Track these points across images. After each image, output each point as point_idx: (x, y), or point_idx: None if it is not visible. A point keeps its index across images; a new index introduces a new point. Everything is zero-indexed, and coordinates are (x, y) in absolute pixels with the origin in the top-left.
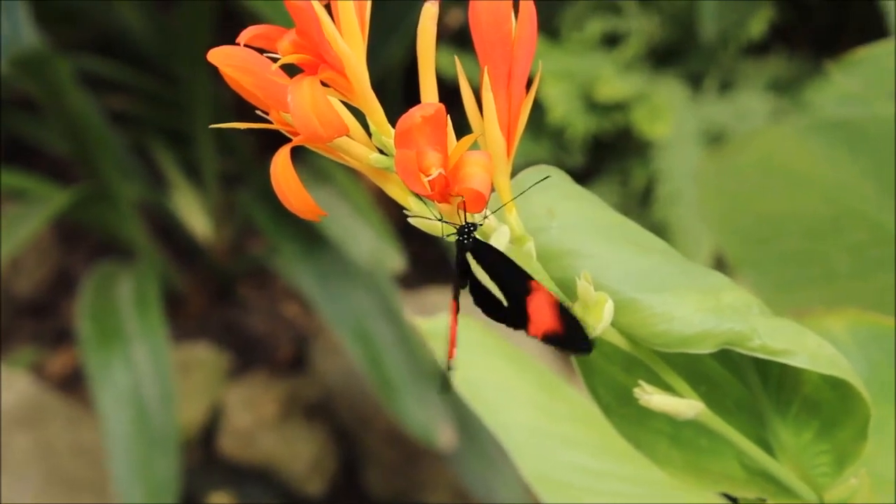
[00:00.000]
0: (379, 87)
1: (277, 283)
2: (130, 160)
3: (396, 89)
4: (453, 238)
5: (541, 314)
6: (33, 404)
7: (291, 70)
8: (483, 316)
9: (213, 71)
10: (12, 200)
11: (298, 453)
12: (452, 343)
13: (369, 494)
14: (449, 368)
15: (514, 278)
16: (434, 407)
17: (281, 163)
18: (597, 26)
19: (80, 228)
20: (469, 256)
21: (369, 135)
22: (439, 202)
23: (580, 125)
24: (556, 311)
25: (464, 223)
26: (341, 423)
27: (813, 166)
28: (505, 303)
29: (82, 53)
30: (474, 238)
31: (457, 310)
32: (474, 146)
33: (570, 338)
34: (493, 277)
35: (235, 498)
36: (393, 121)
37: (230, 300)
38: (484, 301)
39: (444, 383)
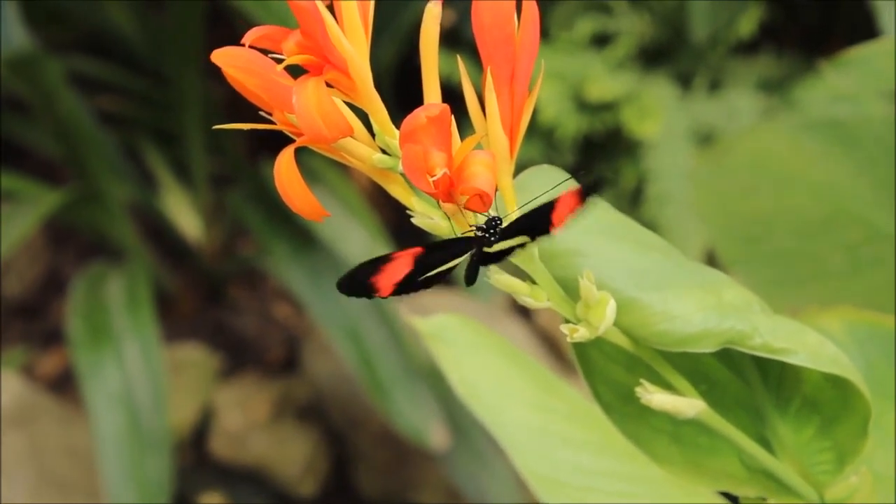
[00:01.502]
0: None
1: (268, 283)
2: (121, 161)
3: (388, 89)
4: (460, 230)
5: (564, 210)
6: (24, 405)
7: (295, 71)
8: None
9: (204, 71)
10: (3, 201)
11: (290, 454)
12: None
13: (361, 495)
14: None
15: (539, 214)
16: (426, 407)
17: (285, 163)
18: (587, 26)
19: (71, 229)
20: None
21: (373, 135)
22: (444, 202)
23: (571, 125)
24: (575, 195)
25: (489, 218)
26: (333, 423)
27: (804, 165)
28: (529, 238)
29: (72, 54)
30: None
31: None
32: (477, 146)
33: (588, 193)
34: (517, 234)
35: (227, 499)
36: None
37: (221, 301)
38: (498, 258)
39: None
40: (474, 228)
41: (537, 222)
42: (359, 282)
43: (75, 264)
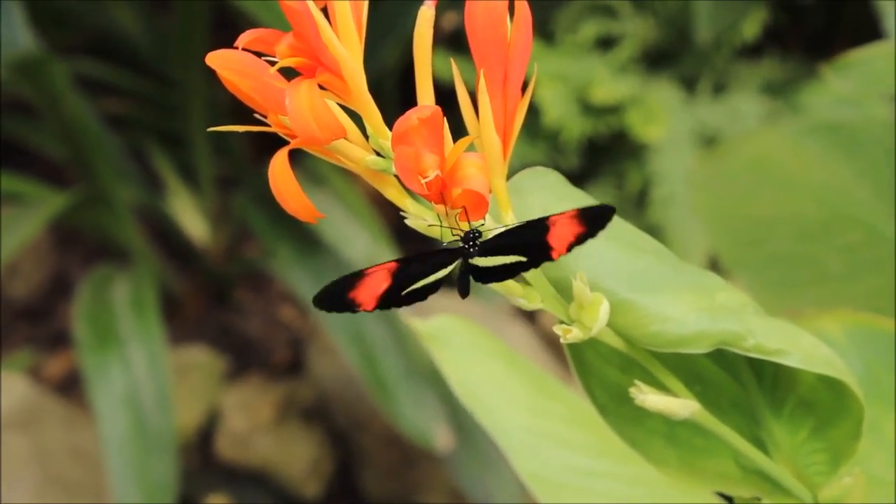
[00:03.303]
0: (375, 89)
1: (273, 286)
2: (126, 163)
3: (392, 91)
4: (455, 244)
5: (564, 234)
6: (30, 407)
7: (289, 73)
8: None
9: (209, 74)
10: (8, 204)
11: (295, 456)
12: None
13: (366, 496)
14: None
15: (531, 233)
16: (430, 409)
17: (279, 165)
18: (591, 29)
19: (77, 232)
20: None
21: (366, 137)
22: (436, 203)
23: (575, 128)
24: (578, 218)
25: (467, 230)
26: (338, 425)
27: (806, 169)
28: (524, 259)
29: (78, 57)
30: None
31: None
32: (470, 148)
33: (594, 223)
34: (507, 252)
35: (232, 500)
36: (389, 123)
37: (226, 303)
38: (493, 275)
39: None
40: (459, 238)
41: (529, 240)
42: (336, 297)
43: (81, 267)
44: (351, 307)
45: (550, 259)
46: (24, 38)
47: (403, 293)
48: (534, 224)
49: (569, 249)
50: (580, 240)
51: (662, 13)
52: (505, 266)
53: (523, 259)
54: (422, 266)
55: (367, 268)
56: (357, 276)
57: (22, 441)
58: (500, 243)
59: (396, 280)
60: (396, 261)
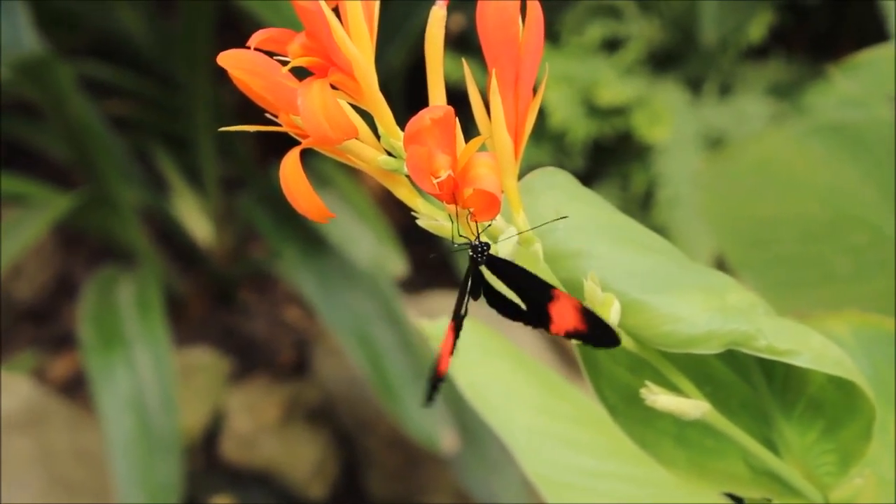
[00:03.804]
0: (381, 90)
1: (278, 287)
2: (131, 165)
3: (399, 93)
4: (464, 249)
5: (564, 316)
6: (34, 408)
7: (301, 73)
8: (488, 314)
9: (214, 75)
10: (13, 205)
11: (300, 457)
12: (446, 357)
13: (371, 498)
14: (437, 381)
15: (534, 288)
16: (435, 411)
17: (290, 165)
18: (597, 31)
19: (81, 233)
20: (483, 269)
21: (378, 137)
22: (448, 203)
23: (580, 129)
24: (581, 314)
25: (476, 241)
26: (343, 427)
27: (812, 170)
28: (524, 307)
29: (83, 58)
30: (489, 255)
31: (457, 330)
32: (482, 148)
33: (595, 336)
34: (511, 287)
35: (237, 501)
36: (396, 124)
37: (231, 305)
38: (500, 305)
39: (430, 393)
40: (469, 245)
41: (533, 293)
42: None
43: (86, 268)
44: (439, 380)
45: (548, 331)
46: (29, 39)
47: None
48: (542, 284)
49: (567, 337)
50: (577, 336)
51: (668, 15)
52: (512, 306)
53: (524, 308)
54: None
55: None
56: (438, 358)
57: (26, 442)
58: (509, 274)
59: (456, 331)
60: (451, 319)
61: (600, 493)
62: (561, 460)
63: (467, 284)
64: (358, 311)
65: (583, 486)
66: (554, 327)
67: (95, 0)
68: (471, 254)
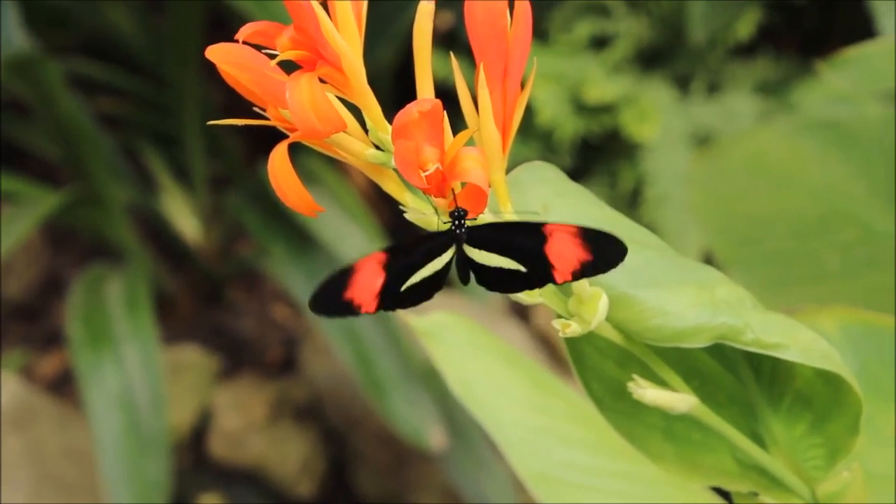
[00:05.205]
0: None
1: (267, 285)
2: (120, 163)
3: (387, 92)
4: (447, 227)
5: (565, 254)
6: (23, 406)
7: (289, 67)
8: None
9: (203, 74)
10: (2, 203)
11: (288, 455)
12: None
13: (359, 496)
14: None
15: (524, 235)
16: (424, 408)
17: (279, 158)
18: (585, 28)
19: (70, 231)
20: (468, 248)
21: (366, 131)
22: (436, 196)
23: (568, 127)
24: (581, 238)
25: (453, 209)
26: (331, 424)
27: (801, 167)
28: (523, 269)
29: (72, 56)
30: (468, 226)
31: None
32: (469, 143)
33: (605, 255)
34: (503, 251)
35: (225, 499)
36: (384, 118)
37: (219, 302)
38: (493, 278)
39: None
40: (449, 222)
41: (525, 245)
42: (333, 300)
43: (75, 266)
44: (350, 310)
45: (554, 282)
46: (19, 37)
47: (403, 289)
48: (530, 227)
49: (575, 278)
50: (586, 271)
51: (656, 13)
52: (508, 275)
53: (522, 269)
54: (413, 255)
55: (356, 262)
56: (348, 273)
57: (15, 441)
58: (493, 237)
59: (390, 273)
60: (383, 250)
61: (591, 488)
62: (551, 457)
63: (433, 237)
64: None
65: (573, 481)
66: (558, 274)
67: None
68: (452, 226)
